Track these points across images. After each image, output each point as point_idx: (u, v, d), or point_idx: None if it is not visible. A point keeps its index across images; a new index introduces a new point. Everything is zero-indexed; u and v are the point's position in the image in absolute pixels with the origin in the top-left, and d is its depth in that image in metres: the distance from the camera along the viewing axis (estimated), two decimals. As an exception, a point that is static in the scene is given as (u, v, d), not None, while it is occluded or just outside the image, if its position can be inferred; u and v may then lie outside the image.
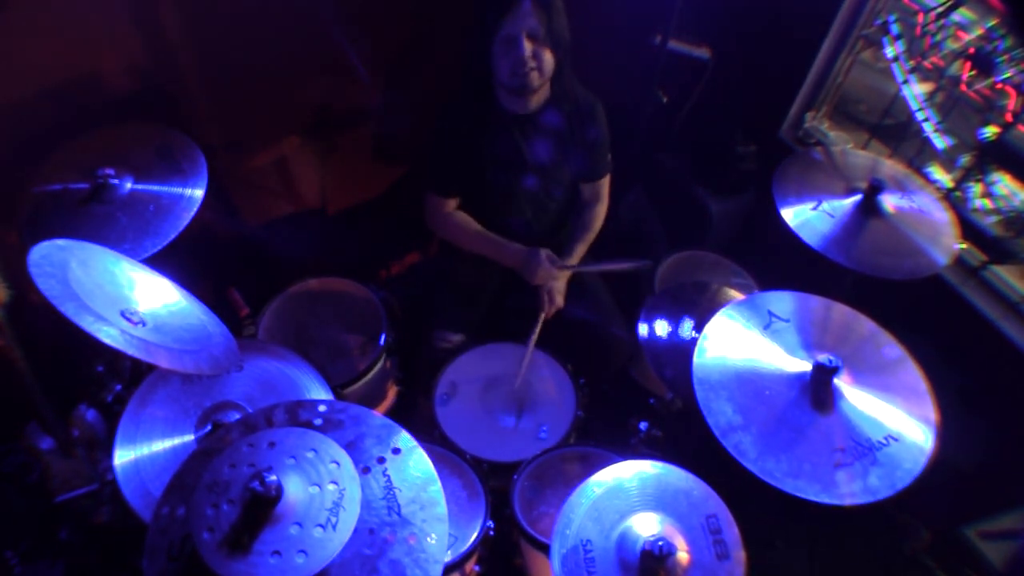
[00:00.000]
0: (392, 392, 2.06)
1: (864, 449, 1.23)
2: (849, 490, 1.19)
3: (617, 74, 2.50)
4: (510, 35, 1.58)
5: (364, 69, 2.05)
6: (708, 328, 1.38)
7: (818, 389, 1.29)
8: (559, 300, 1.85)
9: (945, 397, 1.32)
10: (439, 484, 1.03)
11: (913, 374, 1.35)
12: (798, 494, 1.17)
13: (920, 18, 1.95)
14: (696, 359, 1.33)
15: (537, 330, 1.82)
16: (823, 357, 1.28)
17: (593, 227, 1.97)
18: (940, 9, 1.89)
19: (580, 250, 1.93)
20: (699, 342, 1.35)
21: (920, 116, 1.98)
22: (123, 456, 1.29)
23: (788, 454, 1.21)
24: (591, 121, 1.83)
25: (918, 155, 2.07)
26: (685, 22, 2.20)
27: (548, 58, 1.63)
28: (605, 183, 1.97)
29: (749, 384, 1.30)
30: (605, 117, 1.87)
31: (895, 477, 1.21)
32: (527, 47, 1.58)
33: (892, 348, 1.39)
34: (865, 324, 1.43)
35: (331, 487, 0.93)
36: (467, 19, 1.66)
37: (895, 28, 2.00)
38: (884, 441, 1.25)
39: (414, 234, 2.00)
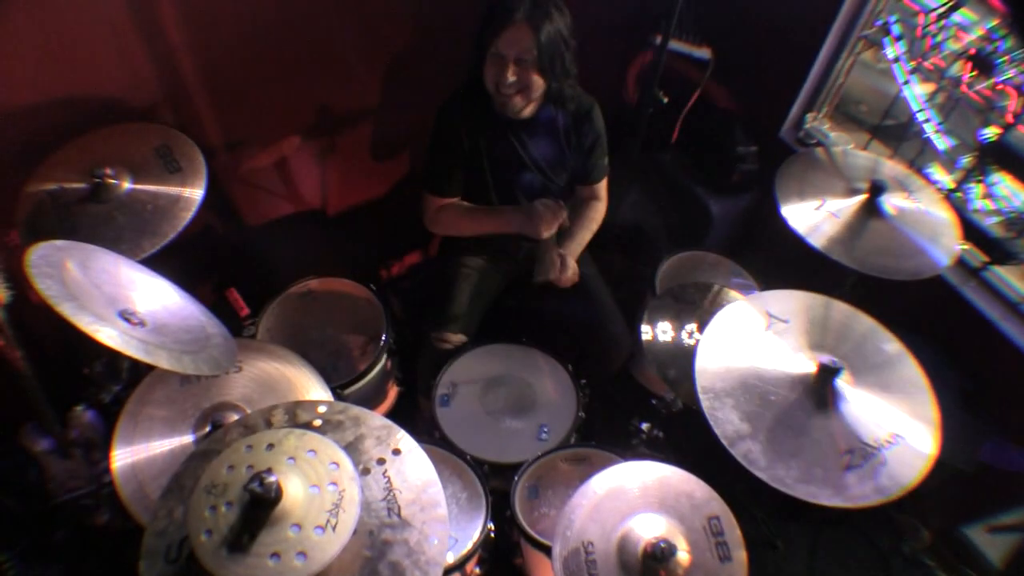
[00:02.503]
0: (392, 393, 2.06)
1: (872, 450, 1.23)
2: (861, 492, 1.18)
3: (617, 74, 2.50)
4: (499, 54, 1.59)
5: (364, 69, 2.05)
6: (707, 334, 1.38)
7: (822, 391, 1.29)
8: (571, 266, 1.78)
9: (945, 397, 1.32)
10: (439, 485, 1.02)
11: (913, 371, 1.35)
12: (811, 500, 1.16)
13: (921, 19, 1.95)
14: (698, 366, 1.32)
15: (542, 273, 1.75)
16: (826, 358, 1.28)
17: (596, 219, 1.96)
18: (941, 10, 1.89)
19: (582, 237, 1.90)
20: (699, 350, 1.34)
21: (921, 117, 1.98)
22: (121, 457, 1.28)
23: (798, 459, 1.21)
24: (588, 123, 1.83)
25: (919, 156, 2.07)
26: (685, 22, 2.20)
27: (536, 81, 1.63)
28: (602, 186, 1.97)
29: (754, 390, 1.29)
30: (602, 119, 1.87)
31: (902, 475, 1.21)
32: (511, 69, 1.59)
33: (891, 346, 1.39)
34: (865, 323, 1.43)
35: (330, 488, 0.93)
36: (466, 24, 1.66)
37: (896, 29, 2.00)
38: (891, 440, 1.24)
39: (414, 234, 1.99)
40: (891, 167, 1.83)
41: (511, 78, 1.60)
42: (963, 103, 1.93)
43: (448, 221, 1.89)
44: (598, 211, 1.98)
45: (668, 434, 1.94)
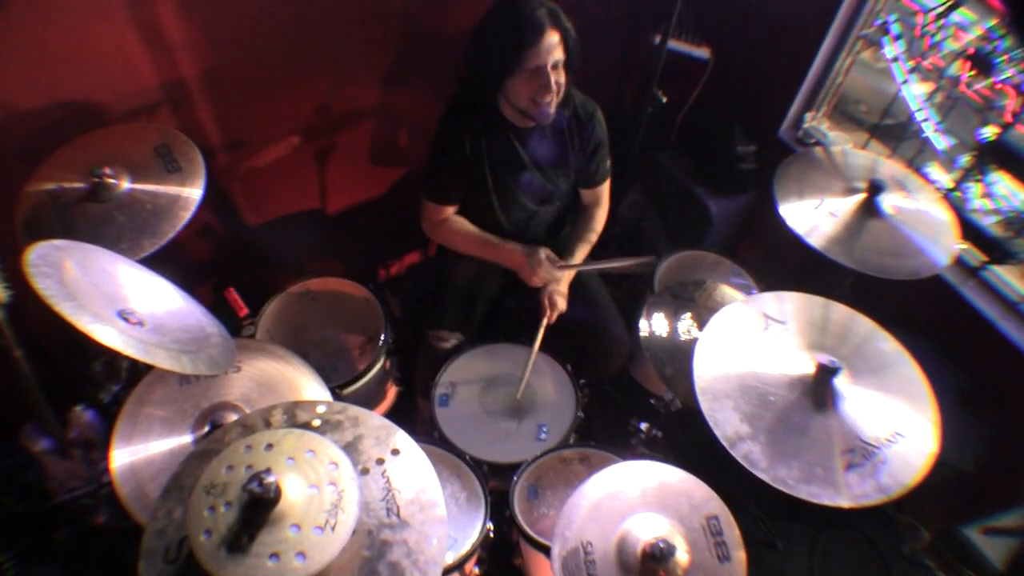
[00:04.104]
0: (391, 393, 2.06)
1: (873, 448, 1.23)
2: (862, 491, 1.18)
3: (617, 74, 2.50)
4: (536, 68, 1.58)
5: (364, 69, 2.05)
6: (705, 336, 1.38)
7: (821, 391, 1.29)
8: (561, 304, 1.84)
9: (945, 397, 1.32)
10: (438, 485, 1.02)
11: (912, 371, 1.35)
12: (812, 500, 1.16)
13: (919, 18, 1.95)
14: (696, 368, 1.32)
15: (540, 336, 1.80)
16: (824, 358, 1.28)
17: (595, 230, 1.97)
18: (939, 9, 1.89)
19: (582, 252, 1.93)
20: (697, 352, 1.34)
21: (920, 116, 1.98)
22: (120, 457, 1.28)
23: (798, 459, 1.21)
24: (590, 126, 1.83)
25: (918, 155, 2.07)
26: (685, 22, 2.20)
27: (563, 80, 1.65)
28: (605, 188, 1.97)
29: (753, 391, 1.29)
30: (604, 122, 1.87)
31: (904, 473, 1.21)
32: (552, 77, 1.60)
33: (889, 345, 1.39)
34: (863, 323, 1.43)
35: (329, 488, 0.93)
36: (466, 24, 1.65)
37: (895, 28, 2.00)
38: (891, 439, 1.24)
39: (414, 234, 1.99)
40: (890, 166, 1.83)
41: (554, 85, 1.61)
42: (962, 102, 1.94)
43: (448, 236, 1.89)
44: (598, 220, 1.98)
45: (667, 434, 1.94)
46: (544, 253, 1.81)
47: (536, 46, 1.55)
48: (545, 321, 1.82)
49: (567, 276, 1.87)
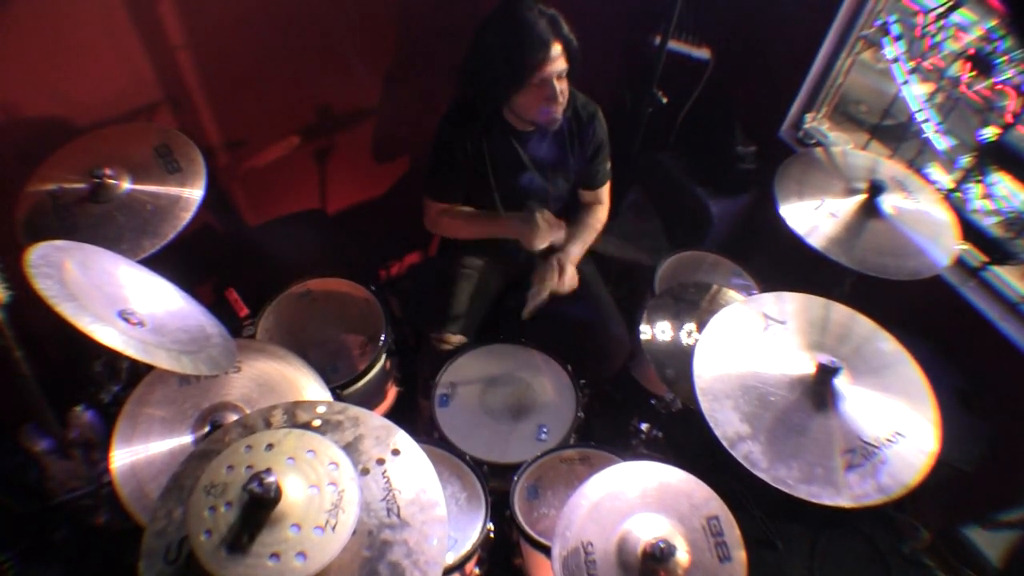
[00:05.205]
0: (392, 393, 2.06)
1: (873, 448, 1.23)
2: (863, 491, 1.18)
3: (617, 74, 2.50)
4: (542, 80, 1.59)
5: (364, 69, 2.05)
6: (705, 336, 1.38)
7: (822, 391, 1.29)
8: (570, 272, 1.78)
9: (944, 397, 1.32)
10: (439, 485, 1.02)
11: (912, 371, 1.35)
12: (813, 500, 1.16)
13: (920, 19, 1.95)
14: (697, 369, 1.32)
15: (540, 293, 1.73)
16: (825, 358, 1.28)
17: (594, 227, 1.97)
18: (940, 10, 1.89)
19: (583, 242, 1.92)
20: (697, 353, 1.34)
21: (920, 117, 1.98)
22: (120, 457, 1.28)
23: (798, 459, 1.21)
24: (591, 128, 1.83)
25: (918, 156, 2.07)
26: (685, 22, 2.20)
27: (567, 88, 1.66)
28: (606, 190, 1.98)
29: (753, 391, 1.29)
30: (605, 124, 1.87)
31: (904, 473, 1.21)
32: (557, 87, 1.61)
33: (889, 345, 1.39)
34: (863, 323, 1.43)
35: (330, 489, 0.93)
36: (466, 24, 1.66)
37: (895, 29, 2.00)
38: (892, 439, 1.24)
39: (414, 234, 1.99)
40: (890, 167, 1.83)
41: (562, 97, 1.63)
42: (962, 103, 1.93)
43: (448, 225, 1.90)
44: (598, 218, 1.98)
45: (667, 434, 1.94)
46: (540, 214, 1.74)
47: (542, 63, 1.56)
48: (553, 275, 1.75)
49: (574, 256, 1.85)
